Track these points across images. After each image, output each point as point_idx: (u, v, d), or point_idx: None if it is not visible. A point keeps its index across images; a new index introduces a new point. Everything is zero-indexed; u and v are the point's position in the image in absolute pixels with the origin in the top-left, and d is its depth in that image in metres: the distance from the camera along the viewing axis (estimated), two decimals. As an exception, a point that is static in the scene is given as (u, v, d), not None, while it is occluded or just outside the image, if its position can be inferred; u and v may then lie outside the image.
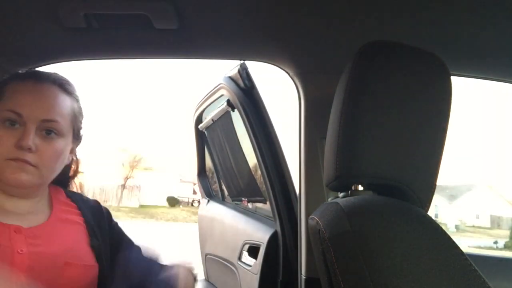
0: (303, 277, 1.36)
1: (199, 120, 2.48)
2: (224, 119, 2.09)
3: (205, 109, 2.32)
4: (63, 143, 0.96)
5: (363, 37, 0.79)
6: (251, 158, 1.92)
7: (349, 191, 0.77)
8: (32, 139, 0.90)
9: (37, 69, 1.29)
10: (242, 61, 1.70)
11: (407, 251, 0.60)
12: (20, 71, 1.00)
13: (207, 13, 1.09)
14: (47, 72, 1.01)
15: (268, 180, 1.66)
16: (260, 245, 1.71)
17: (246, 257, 1.84)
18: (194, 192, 26.36)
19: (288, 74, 1.36)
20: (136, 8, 1.03)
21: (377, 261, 0.60)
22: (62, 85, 0.99)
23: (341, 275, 0.65)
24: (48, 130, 0.93)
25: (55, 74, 1.00)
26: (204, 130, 2.47)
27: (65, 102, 0.98)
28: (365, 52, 0.74)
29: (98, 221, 1.03)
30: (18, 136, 0.89)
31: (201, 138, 2.60)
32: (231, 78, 1.82)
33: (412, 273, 0.59)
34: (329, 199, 0.83)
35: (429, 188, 0.72)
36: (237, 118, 1.89)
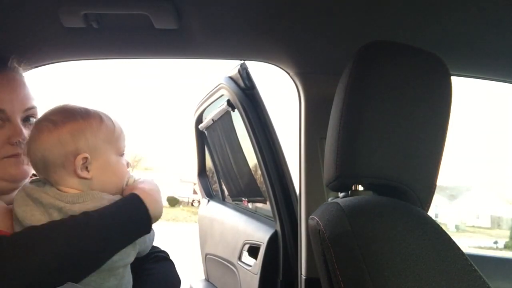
0: (303, 277, 1.36)
1: (199, 120, 2.49)
2: (224, 119, 2.09)
3: (205, 109, 2.33)
4: None
5: (363, 37, 0.79)
6: (251, 158, 1.92)
7: (349, 191, 0.77)
8: (23, 130, 0.90)
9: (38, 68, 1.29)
10: (242, 61, 1.71)
11: (407, 251, 0.60)
12: None
13: (207, 13, 1.09)
14: None
15: (268, 180, 1.66)
16: (260, 245, 1.71)
17: (246, 257, 1.84)
18: (195, 192, 26.36)
19: (288, 74, 1.36)
20: (136, 8, 1.03)
21: (377, 261, 0.60)
22: (18, 69, 0.98)
23: (341, 275, 0.65)
24: (29, 117, 0.94)
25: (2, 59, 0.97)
26: (204, 130, 2.47)
27: (28, 85, 0.97)
28: (365, 52, 0.74)
29: None
30: (7, 132, 0.89)
31: (201, 138, 2.60)
32: (231, 78, 1.82)
33: (412, 273, 0.59)
34: (329, 199, 0.83)
35: (429, 188, 0.72)
36: (237, 118, 1.89)
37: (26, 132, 0.91)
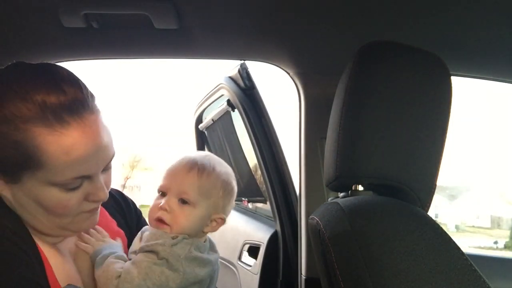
0: (303, 277, 1.36)
1: (199, 120, 2.49)
2: (224, 119, 2.09)
3: (205, 109, 2.33)
4: None
5: (363, 37, 0.79)
6: (251, 158, 1.92)
7: (349, 191, 0.77)
8: (105, 187, 0.79)
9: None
10: (242, 61, 1.71)
11: (407, 251, 0.60)
12: None
13: (207, 13, 1.09)
14: None
15: (268, 180, 1.66)
16: (260, 245, 1.71)
17: (246, 257, 1.84)
18: (194, 192, 26.24)
19: (288, 74, 1.36)
20: (136, 8, 1.03)
21: (377, 261, 0.60)
22: (95, 105, 0.76)
23: (341, 275, 0.65)
24: (108, 168, 0.82)
25: None
26: (204, 130, 2.47)
27: (106, 123, 0.80)
28: (365, 52, 0.74)
29: (121, 208, 1.00)
30: (86, 190, 0.76)
31: (201, 138, 2.60)
32: (231, 78, 1.82)
33: (412, 273, 0.59)
34: (329, 199, 0.83)
35: (429, 188, 0.72)
36: (237, 118, 1.89)
37: (104, 180, 0.78)
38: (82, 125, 0.70)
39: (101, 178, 0.77)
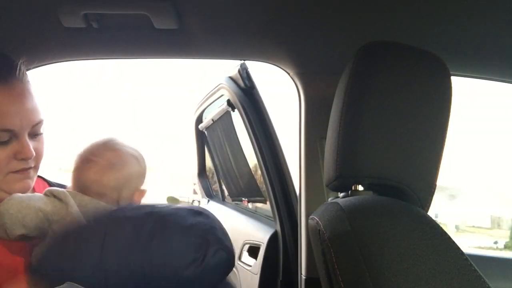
0: (303, 277, 1.36)
1: (199, 120, 2.49)
2: (224, 119, 2.09)
3: (205, 109, 2.33)
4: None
5: (363, 37, 0.79)
6: (251, 158, 1.92)
7: (349, 191, 0.77)
8: (31, 147, 0.86)
9: (36, 69, 1.29)
10: (242, 61, 1.70)
11: (407, 251, 0.60)
12: None
13: (207, 13, 1.09)
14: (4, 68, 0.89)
15: (268, 180, 1.66)
16: (260, 245, 1.71)
17: (246, 257, 1.84)
18: (195, 192, 26.30)
19: (288, 74, 1.36)
20: (136, 8, 1.03)
21: (377, 261, 0.60)
22: (26, 77, 0.90)
23: (341, 275, 0.65)
24: (37, 133, 0.89)
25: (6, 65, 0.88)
26: (204, 130, 2.48)
27: (35, 93, 0.90)
28: (365, 52, 0.74)
29: None
30: (14, 148, 0.84)
31: (201, 138, 2.60)
32: (231, 78, 1.82)
33: (412, 273, 0.59)
34: (329, 199, 0.83)
35: (429, 188, 0.72)
36: (237, 118, 1.89)
37: (33, 144, 0.87)
38: (7, 87, 0.84)
39: (28, 140, 0.86)
